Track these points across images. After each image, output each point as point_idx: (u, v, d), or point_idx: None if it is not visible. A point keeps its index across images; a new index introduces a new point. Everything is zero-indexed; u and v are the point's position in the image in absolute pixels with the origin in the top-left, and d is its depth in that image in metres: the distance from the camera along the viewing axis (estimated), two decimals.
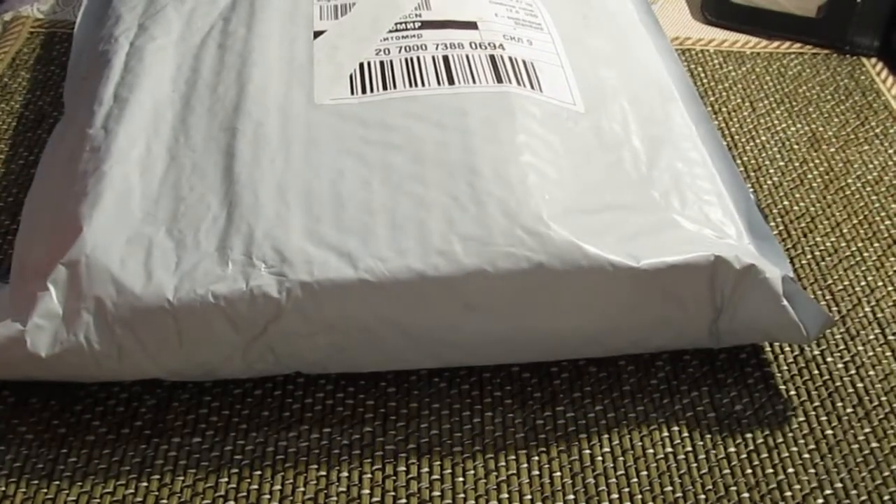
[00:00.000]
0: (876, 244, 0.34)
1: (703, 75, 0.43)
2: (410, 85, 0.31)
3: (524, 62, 0.33)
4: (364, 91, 0.31)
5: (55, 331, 0.25)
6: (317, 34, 0.34)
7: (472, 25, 0.34)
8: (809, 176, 0.37)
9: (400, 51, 0.33)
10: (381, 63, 0.32)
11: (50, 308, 0.26)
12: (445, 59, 0.32)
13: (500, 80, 0.32)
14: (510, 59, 0.33)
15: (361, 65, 0.32)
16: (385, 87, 0.31)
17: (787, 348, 0.30)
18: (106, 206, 0.27)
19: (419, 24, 0.34)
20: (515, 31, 0.34)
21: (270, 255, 0.26)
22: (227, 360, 0.27)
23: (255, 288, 0.25)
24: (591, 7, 0.38)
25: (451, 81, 0.31)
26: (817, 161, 0.38)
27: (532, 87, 0.32)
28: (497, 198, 0.27)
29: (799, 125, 0.40)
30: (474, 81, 0.31)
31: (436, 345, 0.27)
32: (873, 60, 0.44)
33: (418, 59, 0.32)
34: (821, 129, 0.40)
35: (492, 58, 0.33)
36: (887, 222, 0.35)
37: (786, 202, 0.36)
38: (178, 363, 0.27)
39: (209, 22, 0.34)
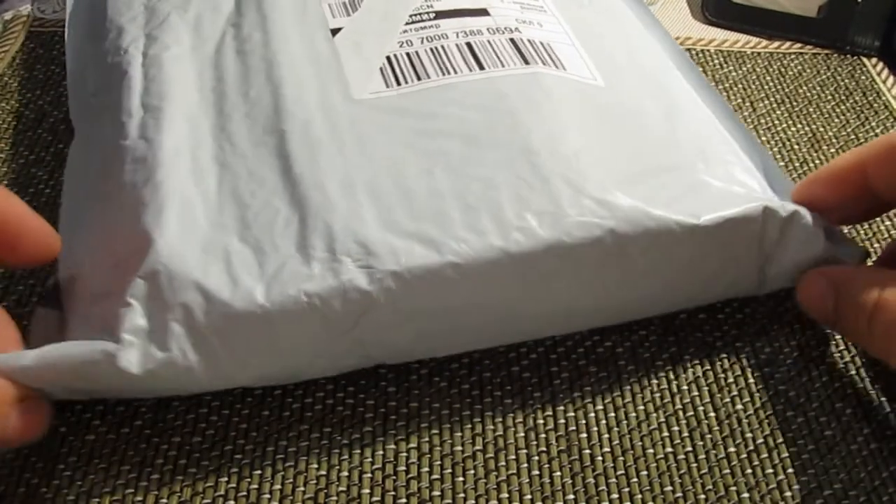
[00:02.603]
0: (876, 244, 0.34)
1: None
2: (442, 73, 0.32)
3: (542, 43, 0.34)
4: (399, 83, 0.31)
5: (144, 346, 0.25)
6: (334, 32, 0.34)
7: (483, 12, 0.35)
8: None
9: (422, 41, 0.33)
10: (408, 55, 0.32)
11: (136, 323, 0.25)
12: (469, 45, 0.33)
13: (526, 62, 0.32)
14: (529, 41, 0.34)
15: (388, 58, 0.32)
16: (419, 78, 0.32)
17: (787, 348, 0.30)
18: (171, 216, 0.27)
19: (433, 14, 0.35)
20: (524, 15, 0.35)
21: (355, 249, 0.26)
22: (316, 359, 0.27)
23: (347, 282, 0.25)
24: None
25: (480, 67, 0.32)
26: (818, 161, 0.38)
27: (556, 66, 0.33)
28: (558, 173, 0.28)
29: (799, 125, 0.40)
30: (503, 65, 0.32)
31: (516, 319, 0.28)
32: (874, 60, 0.44)
33: (442, 47, 0.33)
34: (821, 129, 0.40)
35: (512, 41, 0.33)
36: (887, 223, 0.35)
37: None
38: (266, 368, 0.26)
39: (218, 29, 0.34)
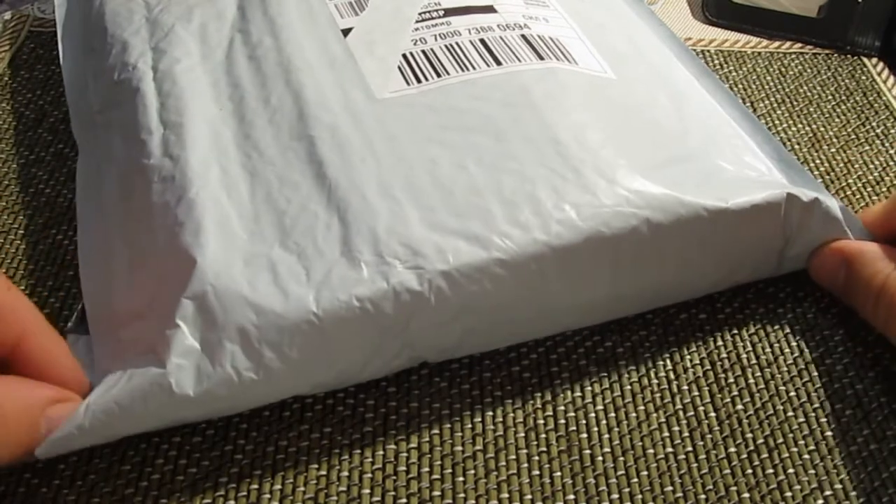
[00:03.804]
0: None
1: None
2: (461, 70, 0.32)
3: (551, 38, 0.34)
4: (419, 81, 0.31)
5: (197, 366, 0.24)
6: (345, 32, 0.34)
7: (490, 9, 0.35)
8: None
9: (436, 39, 0.33)
10: (424, 52, 0.33)
11: (186, 345, 0.25)
12: (483, 41, 0.33)
13: (541, 57, 0.33)
14: (539, 36, 0.34)
15: (405, 56, 0.32)
16: (438, 75, 0.32)
17: (787, 349, 0.30)
18: (211, 233, 0.27)
19: (442, 11, 0.35)
20: (530, 11, 0.36)
21: (401, 251, 0.26)
22: (369, 362, 0.27)
23: (397, 285, 0.25)
24: None
25: (497, 63, 0.32)
26: (818, 161, 0.38)
27: (568, 60, 0.33)
28: (590, 164, 0.28)
29: (800, 125, 0.40)
30: (519, 60, 0.32)
31: (558, 311, 0.28)
32: (874, 60, 0.44)
33: (457, 44, 0.33)
34: (821, 129, 0.40)
35: (523, 37, 0.34)
36: None
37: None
38: (322, 375, 0.26)
39: (225, 36, 0.34)
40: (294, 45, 0.33)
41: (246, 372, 0.25)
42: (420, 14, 0.35)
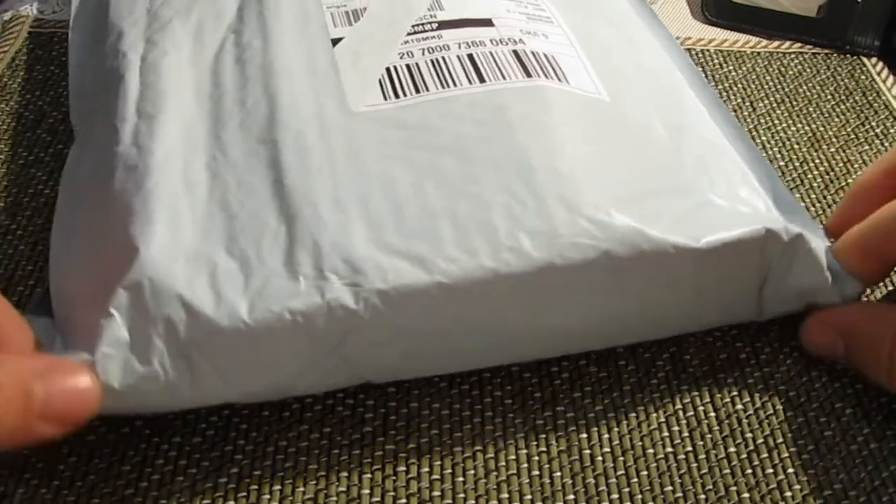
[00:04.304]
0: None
1: (703, 75, 0.43)
2: (442, 86, 0.31)
3: (546, 55, 0.33)
4: (397, 95, 0.31)
5: (125, 359, 0.24)
6: (335, 41, 0.33)
7: (487, 23, 0.34)
8: (809, 176, 0.37)
9: (423, 53, 0.32)
10: (408, 66, 0.32)
11: (117, 335, 0.24)
12: (470, 57, 0.32)
13: (528, 75, 0.32)
14: (532, 53, 0.33)
15: (388, 69, 0.32)
16: (417, 91, 0.31)
17: (787, 348, 0.30)
18: (158, 226, 0.26)
19: (436, 24, 0.34)
20: (529, 26, 0.35)
21: (341, 267, 0.25)
22: (302, 376, 0.26)
23: (332, 300, 0.25)
24: (591, 1, 0.38)
25: (481, 79, 0.31)
26: (817, 161, 0.38)
27: (559, 79, 0.32)
28: (553, 191, 0.27)
29: (799, 125, 0.40)
30: (504, 77, 0.31)
31: (506, 342, 0.27)
32: (874, 60, 0.44)
33: (444, 59, 0.32)
34: (821, 128, 0.40)
35: (515, 53, 0.32)
36: None
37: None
38: (252, 385, 0.26)
39: (219, 37, 0.34)
40: (280, 51, 0.32)
41: (171, 371, 0.24)
42: (413, 26, 0.34)
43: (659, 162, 0.30)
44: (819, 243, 0.28)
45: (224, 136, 0.29)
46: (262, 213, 0.27)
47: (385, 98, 0.31)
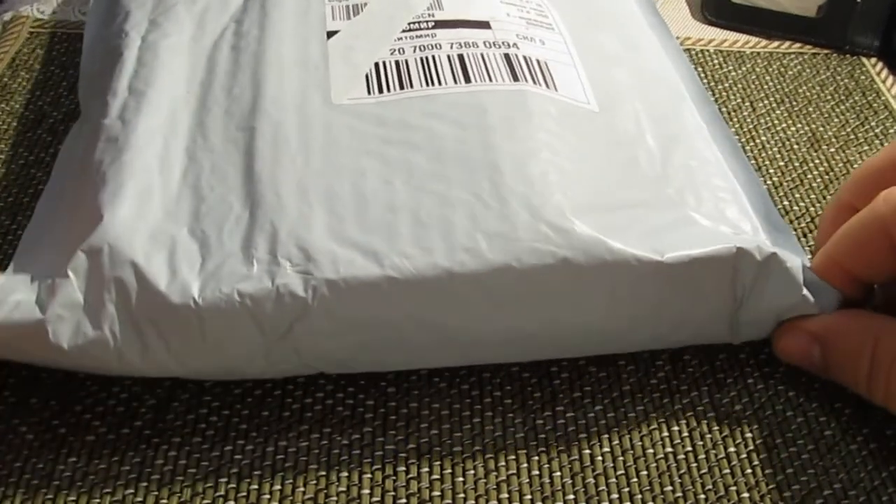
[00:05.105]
0: None
1: (703, 75, 0.43)
2: (427, 84, 0.31)
3: (538, 61, 0.33)
4: (381, 91, 0.31)
5: (77, 321, 0.25)
6: (330, 34, 0.34)
7: (485, 25, 0.34)
8: (809, 176, 0.37)
9: (415, 50, 0.33)
10: (397, 62, 0.32)
11: (72, 297, 0.25)
12: (461, 57, 0.32)
13: (516, 79, 0.32)
14: (524, 57, 0.33)
15: (377, 64, 0.32)
16: (402, 87, 0.31)
17: None
18: (127, 197, 0.27)
19: (432, 23, 0.34)
20: (528, 31, 0.35)
21: (295, 254, 0.26)
22: (251, 360, 0.26)
23: (282, 286, 0.25)
24: (597, 8, 0.38)
25: (467, 80, 0.31)
26: (817, 161, 0.38)
27: (547, 85, 0.32)
28: (519, 194, 0.27)
29: (799, 125, 0.40)
30: (490, 80, 0.31)
31: (461, 343, 0.27)
32: (873, 60, 0.44)
33: (433, 58, 0.32)
34: (821, 129, 0.40)
35: (506, 56, 0.33)
36: None
37: (786, 202, 0.36)
38: (200, 363, 0.26)
39: (221, 24, 0.34)
40: (274, 41, 0.33)
41: (121, 338, 0.25)
42: (410, 24, 0.34)
43: (643, 174, 0.29)
44: (796, 262, 0.27)
45: (207, 121, 0.30)
46: (228, 197, 0.28)
47: (369, 92, 0.31)
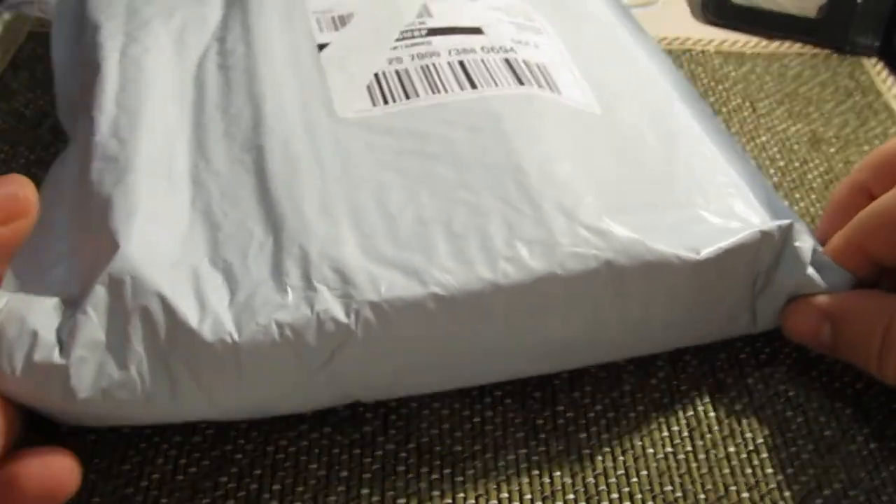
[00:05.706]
0: None
1: (703, 75, 0.43)
2: (432, 92, 0.30)
3: (538, 65, 0.32)
4: (386, 101, 0.30)
5: (100, 363, 0.23)
6: (321, 47, 0.32)
7: (477, 31, 0.34)
8: (809, 176, 0.37)
9: (413, 59, 0.32)
10: (397, 72, 0.31)
11: (94, 336, 0.23)
12: (461, 63, 0.31)
13: (521, 83, 0.31)
14: (524, 61, 0.32)
15: (376, 75, 0.31)
16: (407, 97, 0.30)
17: (786, 348, 0.30)
18: (140, 222, 0.25)
19: (426, 31, 0.33)
20: (520, 35, 0.34)
21: (331, 277, 0.24)
22: (288, 394, 0.25)
23: (322, 313, 0.24)
24: (575, 10, 0.38)
25: (472, 86, 0.31)
26: (817, 161, 0.38)
27: (551, 88, 0.31)
28: (551, 199, 0.26)
29: (799, 125, 0.40)
30: (496, 84, 0.31)
31: (504, 356, 0.26)
32: (873, 61, 0.44)
33: (434, 65, 0.31)
34: (821, 129, 0.40)
35: (507, 61, 0.32)
36: None
37: (786, 202, 0.36)
38: (234, 402, 0.25)
39: (203, 43, 0.33)
40: (264, 56, 0.32)
41: (149, 379, 0.23)
42: (402, 33, 0.33)
43: (651, 175, 0.29)
44: (808, 240, 0.27)
45: (207, 143, 0.29)
46: (247, 222, 0.26)
47: (374, 104, 0.30)
